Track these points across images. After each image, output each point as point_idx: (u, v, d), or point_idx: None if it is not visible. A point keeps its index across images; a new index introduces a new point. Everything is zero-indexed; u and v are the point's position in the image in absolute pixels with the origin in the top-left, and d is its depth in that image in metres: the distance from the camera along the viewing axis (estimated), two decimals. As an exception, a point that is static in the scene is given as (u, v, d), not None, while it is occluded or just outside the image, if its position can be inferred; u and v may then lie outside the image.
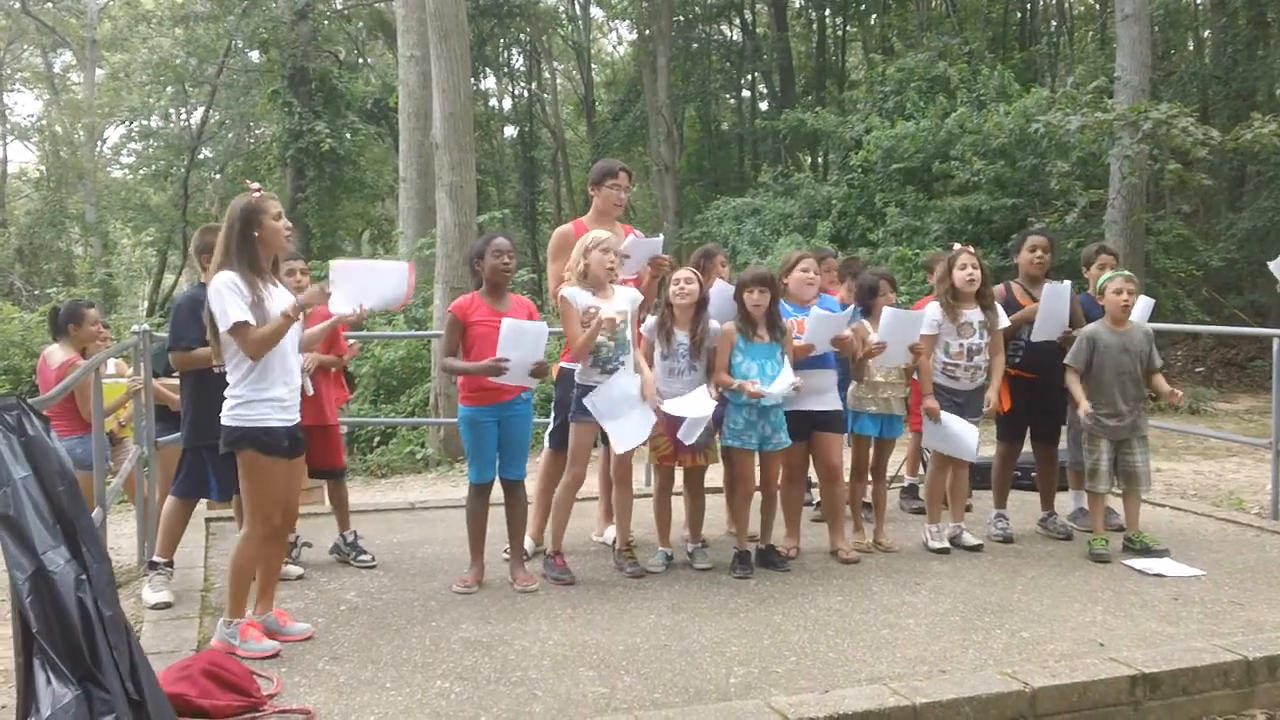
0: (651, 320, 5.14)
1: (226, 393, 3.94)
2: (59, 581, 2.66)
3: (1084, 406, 5.39)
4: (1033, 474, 6.27)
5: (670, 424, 4.99)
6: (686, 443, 4.90)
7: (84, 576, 2.72)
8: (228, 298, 3.79)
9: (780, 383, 4.88)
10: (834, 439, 5.28)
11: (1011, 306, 5.73)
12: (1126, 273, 5.54)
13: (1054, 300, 5.63)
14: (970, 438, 5.44)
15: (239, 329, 3.79)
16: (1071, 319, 5.69)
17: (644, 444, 5.08)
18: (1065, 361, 5.48)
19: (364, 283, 4.11)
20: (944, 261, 5.57)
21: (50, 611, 2.63)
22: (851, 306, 5.53)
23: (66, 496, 2.79)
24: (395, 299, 4.25)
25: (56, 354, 6.02)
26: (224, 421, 3.93)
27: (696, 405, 4.84)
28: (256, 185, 3.99)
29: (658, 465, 5.25)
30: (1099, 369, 5.36)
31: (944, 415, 5.40)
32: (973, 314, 5.44)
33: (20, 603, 2.65)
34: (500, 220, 16.16)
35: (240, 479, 3.97)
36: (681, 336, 4.99)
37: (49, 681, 2.57)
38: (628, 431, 4.82)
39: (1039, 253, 5.87)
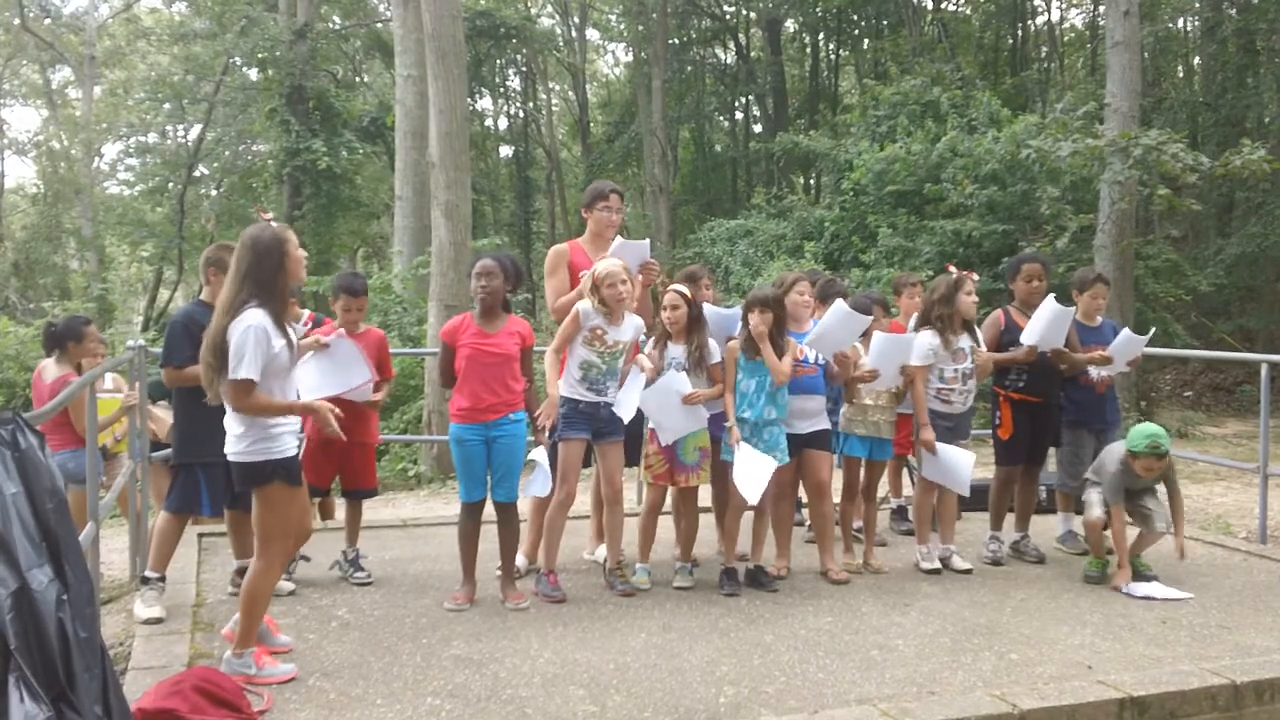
0: (652, 345, 5.19)
1: (238, 428, 3.73)
2: (40, 601, 2.65)
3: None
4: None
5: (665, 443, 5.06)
6: (663, 441, 5.00)
7: (65, 597, 2.71)
8: (252, 347, 3.57)
9: (764, 462, 4.90)
10: (822, 456, 5.33)
11: (1012, 332, 5.76)
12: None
13: (1055, 317, 5.59)
14: (965, 470, 5.45)
15: (243, 385, 3.60)
16: (1066, 342, 5.71)
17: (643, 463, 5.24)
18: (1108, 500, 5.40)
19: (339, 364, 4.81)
20: (945, 286, 5.58)
21: (30, 630, 2.62)
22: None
23: (54, 514, 2.78)
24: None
25: (51, 369, 6.02)
26: (243, 459, 3.72)
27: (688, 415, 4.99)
28: (270, 214, 3.84)
29: (651, 484, 5.27)
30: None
31: (940, 446, 5.44)
32: (963, 340, 5.51)
33: (0, 619, 2.64)
34: (495, 244, 16.21)
35: (262, 512, 3.78)
36: (675, 351, 5.05)
37: (22, 699, 2.55)
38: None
39: (1035, 282, 5.90)
